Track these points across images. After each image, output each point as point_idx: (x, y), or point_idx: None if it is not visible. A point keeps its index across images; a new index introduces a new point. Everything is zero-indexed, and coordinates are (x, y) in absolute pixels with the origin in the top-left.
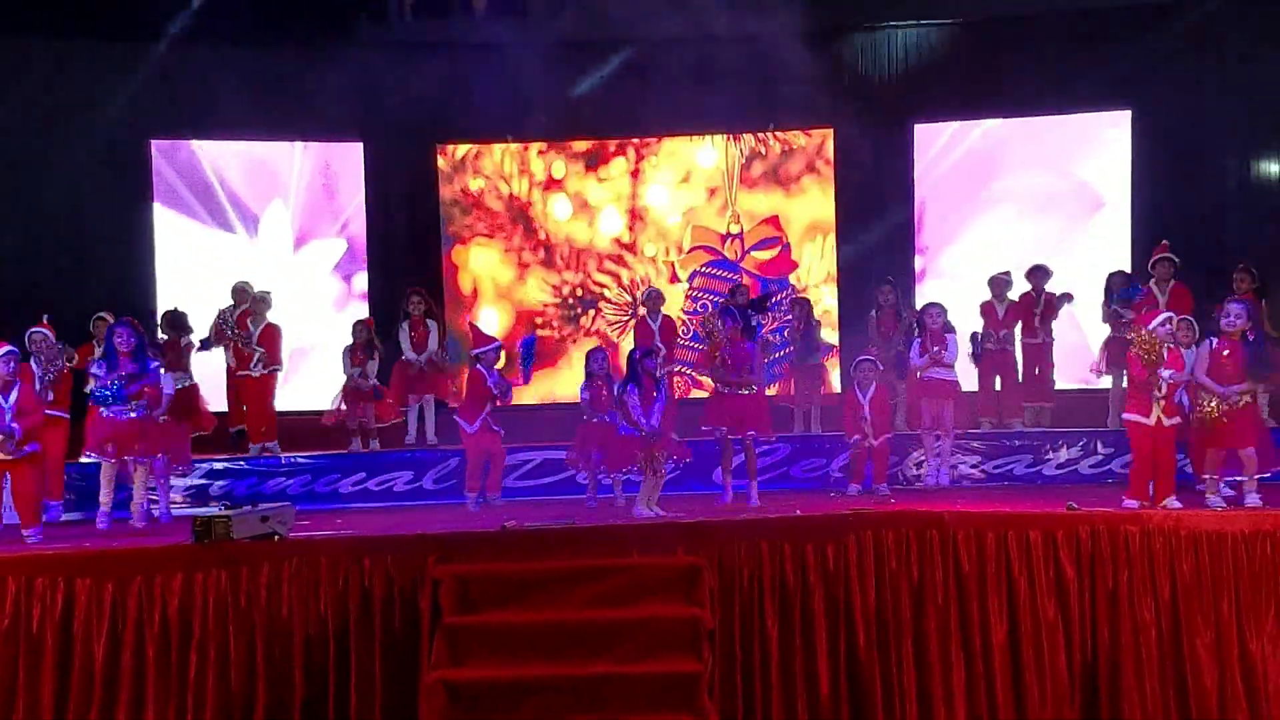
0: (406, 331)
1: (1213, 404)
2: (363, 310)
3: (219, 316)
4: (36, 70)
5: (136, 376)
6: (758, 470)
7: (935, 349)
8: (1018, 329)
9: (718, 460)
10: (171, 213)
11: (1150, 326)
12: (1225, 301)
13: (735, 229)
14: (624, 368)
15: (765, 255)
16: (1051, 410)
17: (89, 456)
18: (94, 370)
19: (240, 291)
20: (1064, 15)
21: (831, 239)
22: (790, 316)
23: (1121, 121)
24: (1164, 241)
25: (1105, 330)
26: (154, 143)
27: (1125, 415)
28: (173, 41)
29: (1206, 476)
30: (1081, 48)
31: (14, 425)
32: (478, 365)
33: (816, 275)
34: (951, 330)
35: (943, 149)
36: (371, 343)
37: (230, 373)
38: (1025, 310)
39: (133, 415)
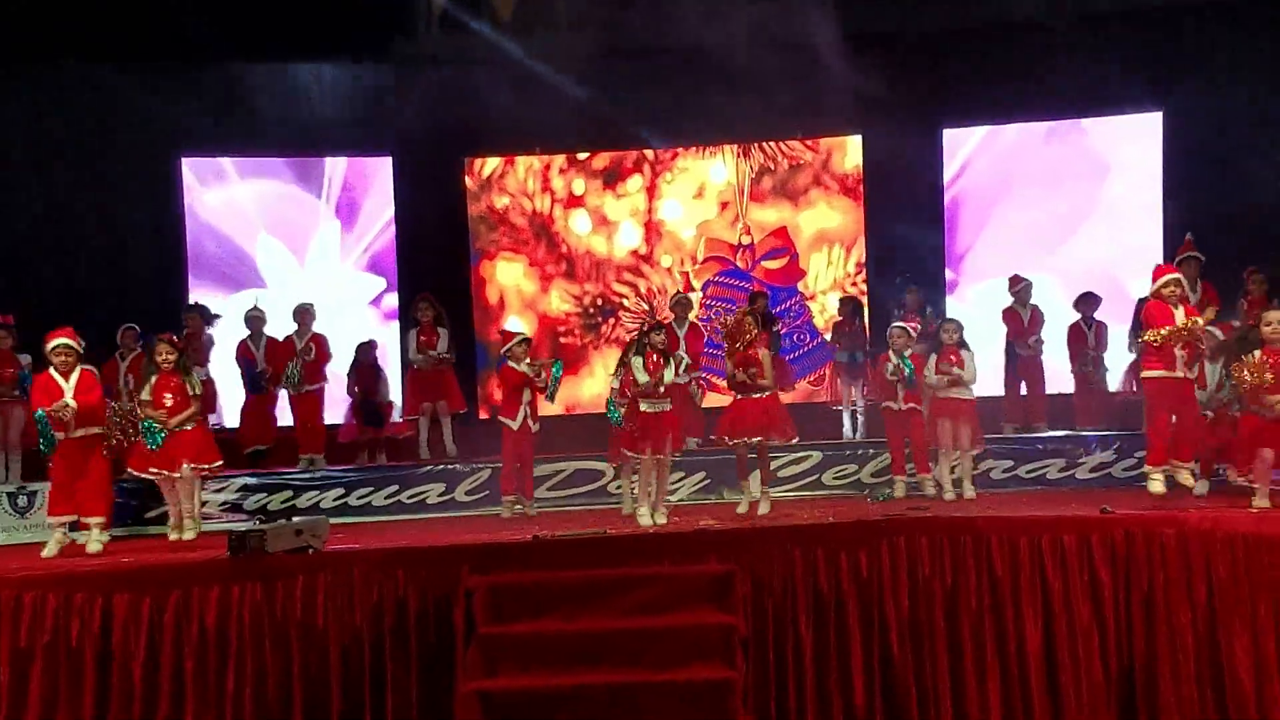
0: (415, 338)
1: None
2: (391, 330)
3: (287, 370)
4: (73, 90)
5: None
6: (790, 478)
7: (954, 369)
8: (1064, 357)
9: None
10: (204, 223)
11: (1157, 283)
12: (1265, 309)
13: (746, 240)
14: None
15: (774, 264)
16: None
17: (136, 474)
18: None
19: (303, 313)
20: (1093, 18)
21: (839, 249)
22: (839, 317)
23: (1152, 124)
24: (1188, 237)
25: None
26: (185, 159)
27: (1145, 373)
28: (202, 60)
29: (1257, 485)
30: (1111, 51)
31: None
32: (508, 361)
33: (824, 283)
34: (966, 347)
35: (973, 155)
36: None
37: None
38: (1076, 342)
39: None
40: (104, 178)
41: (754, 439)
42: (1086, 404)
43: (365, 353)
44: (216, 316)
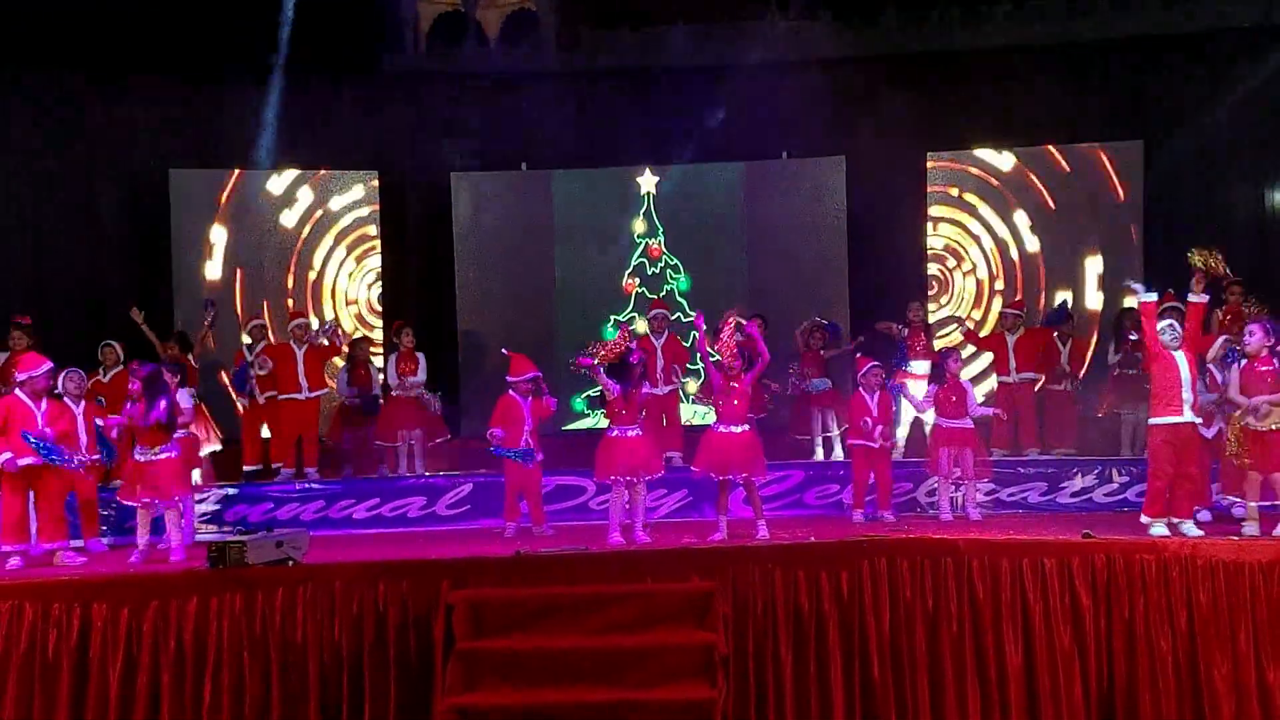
0: (394, 364)
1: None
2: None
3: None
4: (73, 102)
5: (155, 414)
6: (771, 496)
7: (957, 400)
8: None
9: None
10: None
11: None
12: (1246, 323)
13: None
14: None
15: None
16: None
17: (126, 500)
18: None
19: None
20: (1076, 46)
21: None
22: (806, 349)
23: (1133, 152)
24: (1169, 291)
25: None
26: (173, 171)
27: (1152, 420)
28: (194, 77)
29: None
30: (1093, 79)
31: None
32: (510, 393)
33: None
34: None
35: (951, 179)
36: (369, 360)
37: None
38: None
39: (164, 456)
40: (89, 190)
41: (737, 475)
42: (1057, 420)
43: (359, 348)
44: (193, 349)
